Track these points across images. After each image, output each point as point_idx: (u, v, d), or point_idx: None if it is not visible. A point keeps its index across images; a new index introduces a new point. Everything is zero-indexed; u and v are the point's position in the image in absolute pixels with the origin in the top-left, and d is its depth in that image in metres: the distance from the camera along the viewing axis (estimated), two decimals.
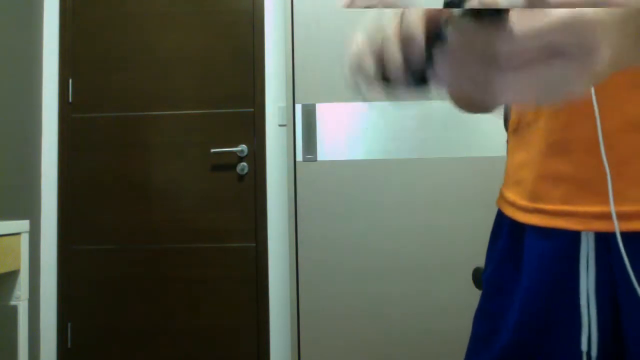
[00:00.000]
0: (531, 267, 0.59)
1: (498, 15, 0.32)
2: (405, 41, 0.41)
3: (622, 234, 0.52)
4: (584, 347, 0.55)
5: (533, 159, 0.61)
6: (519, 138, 0.65)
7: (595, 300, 0.55)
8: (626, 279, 0.53)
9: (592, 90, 0.54)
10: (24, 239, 1.94)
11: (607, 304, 0.54)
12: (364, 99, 0.45)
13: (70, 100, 2.69)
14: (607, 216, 0.52)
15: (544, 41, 0.30)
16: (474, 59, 0.34)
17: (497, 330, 0.62)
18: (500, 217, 0.67)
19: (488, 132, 2.08)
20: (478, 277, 1.47)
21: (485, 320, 0.65)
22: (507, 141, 0.71)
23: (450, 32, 0.35)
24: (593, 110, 0.54)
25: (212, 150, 2.59)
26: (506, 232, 0.64)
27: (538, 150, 0.60)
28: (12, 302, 1.90)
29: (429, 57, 0.39)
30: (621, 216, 0.52)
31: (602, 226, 0.53)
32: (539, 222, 0.59)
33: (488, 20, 0.32)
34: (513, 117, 0.67)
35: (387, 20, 0.42)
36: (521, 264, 0.61)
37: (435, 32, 0.39)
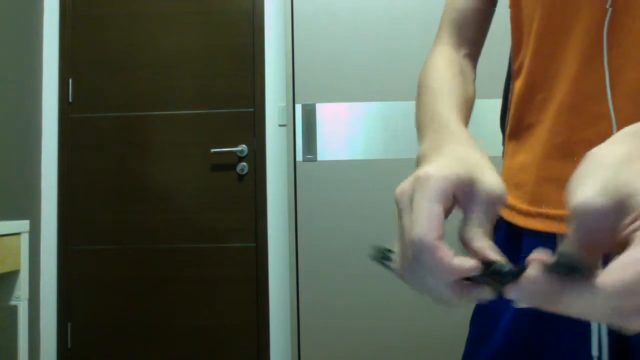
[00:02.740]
0: None
1: (583, 269, 0.29)
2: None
3: None
4: (594, 351, 0.53)
5: (534, 161, 0.60)
6: (518, 141, 0.64)
7: None
8: None
9: (608, 92, 0.54)
10: (24, 239, 1.94)
11: None
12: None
13: (70, 100, 2.69)
14: None
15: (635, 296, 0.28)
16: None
17: (494, 332, 0.61)
18: (497, 221, 0.66)
19: (488, 132, 2.08)
20: None
21: (482, 322, 0.65)
22: (503, 144, 0.70)
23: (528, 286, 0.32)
24: (605, 112, 0.53)
25: (212, 150, 2.59)
26: (502, 235, 0.63)
27: (540, 153, 0.59)
28: (12, 302, 1.90)
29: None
30: None
31: None
32: (541, 227, 0.57)
33: (572, 274, 0.30)
34: (511, 120, 0.66)
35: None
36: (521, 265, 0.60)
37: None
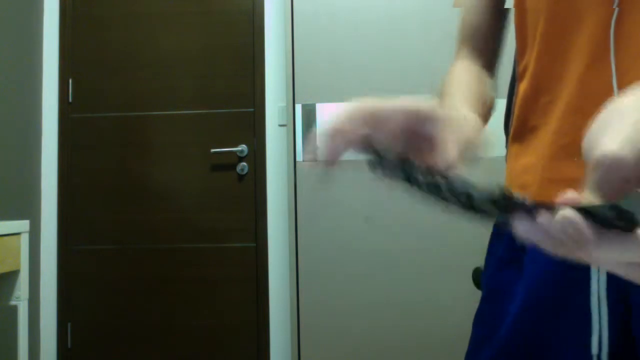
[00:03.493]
0: (536, 269, 0.58)
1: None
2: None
3: None
4: (594, 349, 0.53)
5: (539, 163, 0.59)
6: (521, 143, 0.64)
7: (606, 301, 0.53)
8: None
9: (616, 92, 0.53)
10: (24, 239, 1.94)
11: (618, 306, 0.54)
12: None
13: (70, 100, 2.69)
14: None
15: None
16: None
17: (496, 332, 0.61)
18: (502, 222, 0.66)
19: (488, 132, 2.08)
20: (478, 277, 1.47)
21: (486, 322, 0.65)
22: (506, 146, 0.70)
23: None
24: None
25: (212, 150, 2.59)
26: (508, 236, 0.63)
27: (545, 154, 0.59)
28: (12, 302, 1.90)
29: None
30: None
31: None
32: None
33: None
34: (515, 122, 0.66)
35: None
36: (523, 267, 0.60)
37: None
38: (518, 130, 0.65)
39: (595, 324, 0.54)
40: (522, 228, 0.31)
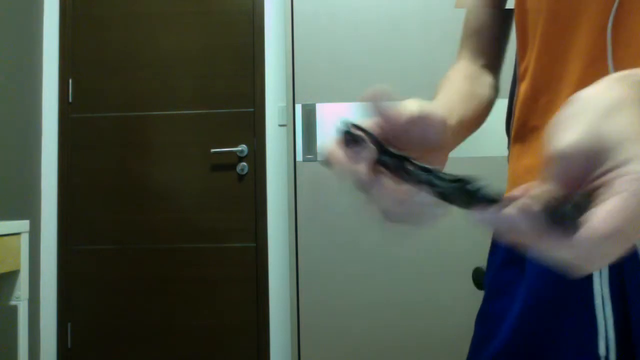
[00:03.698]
0: (538, 269, 0.58)
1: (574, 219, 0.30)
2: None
3: None
4: (601, 351, 0.53)
5: (541, 164, 0.60)
6: (523, 144, 0.64)
7: (610, 301, 0.53)
8: (637, 280, 0.52)
9: None
10: (24, 239, 1.94)
11: (620, 305, 0.53)
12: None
13: (70, 100, 2.69)
14: None
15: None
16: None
17: (499, 331, 0.61)
18: None
19: (488, 132, 2.08)
20: (478, 277, 1.47)
21: (488, 322, 0.65)
22: (509, 147, 0.70)
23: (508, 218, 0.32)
24: None
25: (212, 150, 2.59)
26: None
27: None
28: (12, 302, 1.90)
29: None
30: None
31: None
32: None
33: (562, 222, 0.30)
34: (516, 123, 0.66)
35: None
36: (525, 267, 0.60)
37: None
38: (519, 130, 0.65)
39: (601, 325, 0.53)
40: (479, 217, 0.33)
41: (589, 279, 0.54)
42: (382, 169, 0.40)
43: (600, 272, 0.54)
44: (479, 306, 0.67)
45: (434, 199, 0.37)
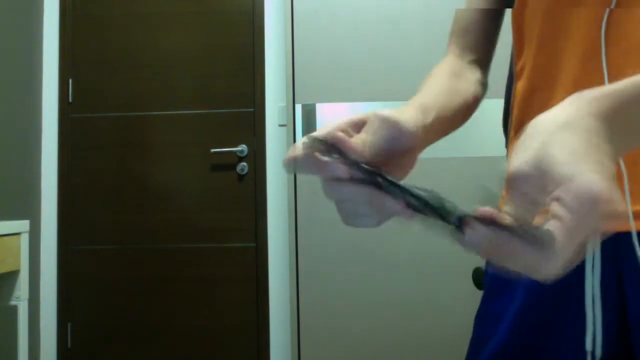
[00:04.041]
0: None
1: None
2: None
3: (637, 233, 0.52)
4: (588, 346, 0.54)
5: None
6: None
7: (600, 300, 0.54)
8: (635, 279, 0.52)
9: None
10: (24, 239, 1.94)
11: (613, 305, 0.54)
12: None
13: (70, 100, 2.69)
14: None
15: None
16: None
17: (497, 332, 0.61)
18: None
19: (488, 132, 2.08)
20: (478, 277, 1.47)
21: (486, 322, 0.65)
22: (507, 146, 0.70)
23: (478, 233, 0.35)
24: None
25: (212, 150, 2.59)
26: None
27: None
28: (12, 302, 1.90)
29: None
30: (637, 216, 0.52)
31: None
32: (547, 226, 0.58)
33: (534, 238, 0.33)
34: (514, 122, 0.66)
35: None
36: None
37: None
38: (518, 129, 0.66)
39: (590, 322, 0.54)
40: (450, 234, 0.36)
41: (582, 280, 0.55)
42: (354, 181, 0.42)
43: (593, 273, 0.55)
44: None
45: (404, 209, 0.40)
